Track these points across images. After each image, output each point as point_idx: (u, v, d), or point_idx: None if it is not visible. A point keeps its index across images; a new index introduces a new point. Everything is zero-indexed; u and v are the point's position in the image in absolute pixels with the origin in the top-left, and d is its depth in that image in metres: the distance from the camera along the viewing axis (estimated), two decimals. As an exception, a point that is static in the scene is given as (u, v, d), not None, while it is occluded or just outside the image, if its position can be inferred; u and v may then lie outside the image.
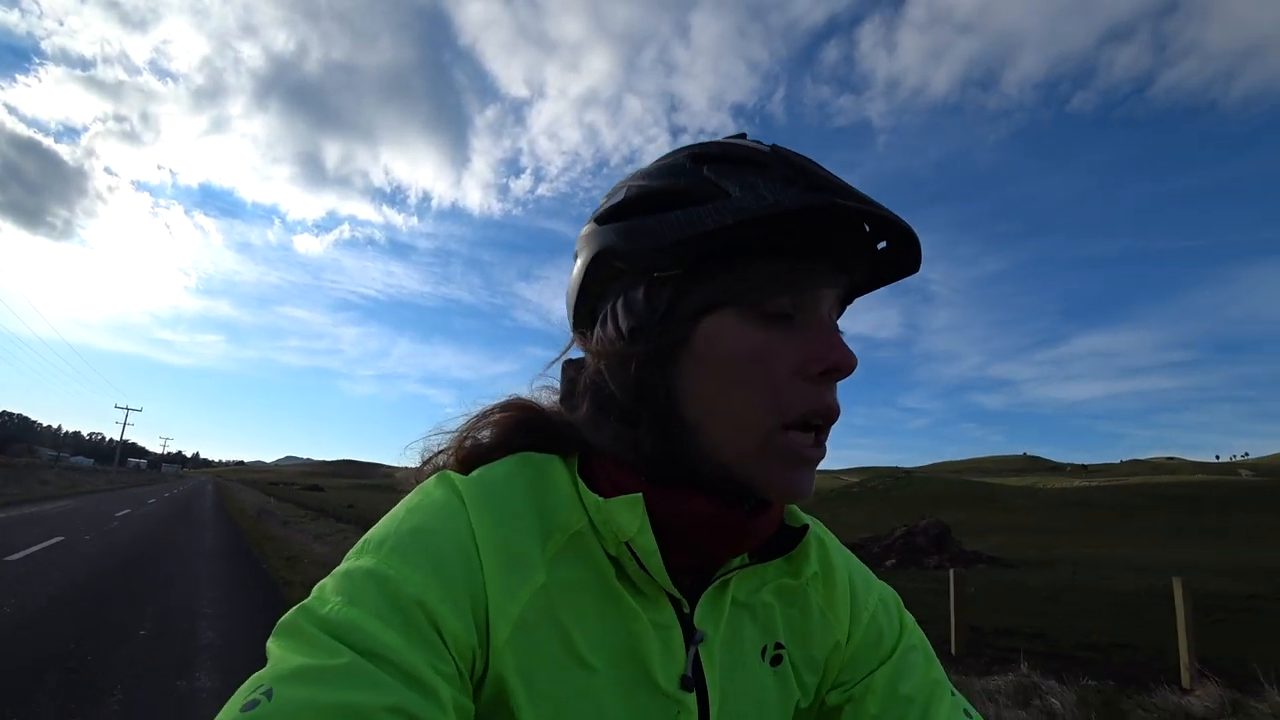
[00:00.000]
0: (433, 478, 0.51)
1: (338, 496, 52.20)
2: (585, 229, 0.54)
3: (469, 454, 0.55)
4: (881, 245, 0.51)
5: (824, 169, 0.48)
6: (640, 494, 0.47)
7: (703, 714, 0.49)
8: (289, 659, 0.38)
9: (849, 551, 0.65)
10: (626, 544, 0.48)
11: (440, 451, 0.57)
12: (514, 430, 0.55)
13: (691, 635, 0.50)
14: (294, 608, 0.42)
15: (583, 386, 0.53)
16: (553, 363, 0.59)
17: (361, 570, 0.43)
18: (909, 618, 0.63)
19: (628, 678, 0.47)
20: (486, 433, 0.56)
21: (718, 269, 0.48)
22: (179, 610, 6.34)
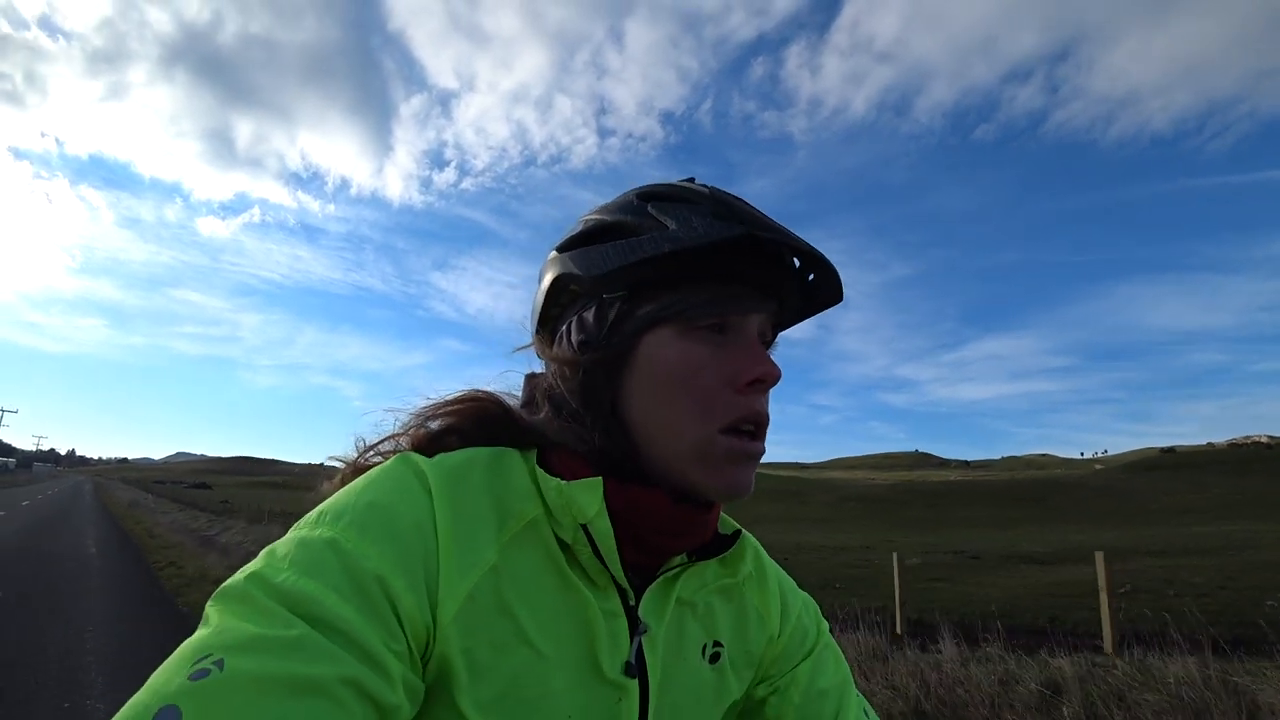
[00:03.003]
0: (394, 458, 0.53)
1: (222, 494, 53.62)
2: (549, 256, 0.61)
3: (425, 439, 0.57)
4: (811, 277, 0.59)
5: (754, 208, 0.56)
6: (600, 478, 0.51)
7: (643, 702, 0.53)
8: (240, 627, 0.38)
9: (774, 561, 0.71)
10: (584, 528, 0.50)
11: (395, 435, 0.58)
12: (474, 420, 0.58)
13: (636, 626, 0.53)
14: (243, 573, 0.42)
15: (542, 393, 0.59)
16: (515, 350, 0.65)
17: (319, 541, 0.43)
18: (825, 622, 0.71)
19: (575, 662, 0.50)
20: (443, 420, 0.58)
21: (657, 292, 0.54)
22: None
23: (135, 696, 0.35)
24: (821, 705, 0.62)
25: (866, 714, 0.65)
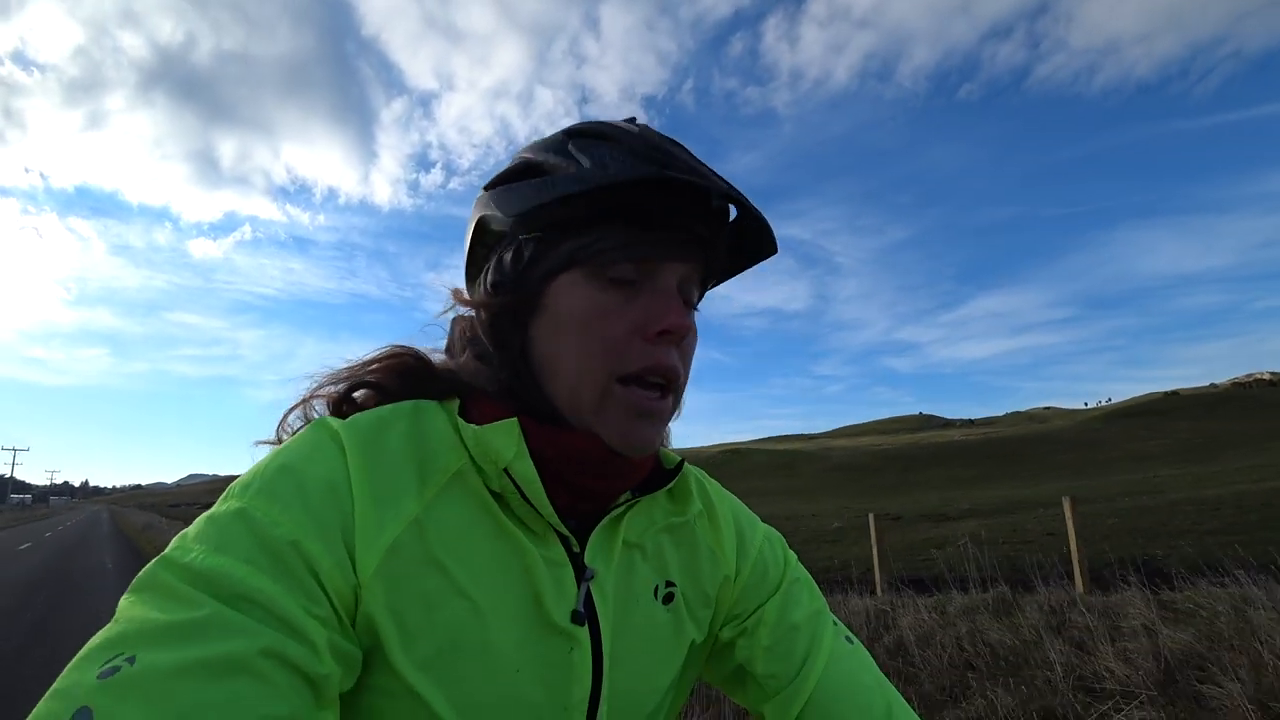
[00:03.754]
0: (309, 424, 0.51)
1: None
2: (476, 199, 0.59)
3: (341, 400, 0.55)
4: (734, 218, 0.55)
5: (680, 149, 0.52)
6: (515, 419, 0.50)
7: (595, 649, 0.50)
8: (148, 616, 0.36)
9: (732, 495, 0.69)
10: (508, 474, 0.48)
11: (313, 397, 0.56)
12: (394, 375, 0.56)
13: (582, 572, 0.52)
14: (153, 561, 0.40)
15: (464, 337, 0.57)
16: (440, 315, 0.62)
17: (227, 514, 0.42)
18: (792, 555, 0.67)
19: (518, 613, 0.48)
20: (361, 380, 0.56)
21: (571, 234, 0.51)
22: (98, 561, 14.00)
23: (42, 703, 0.33)
24: (793, 640, 0.59)
25: (850, 641, 0.62)
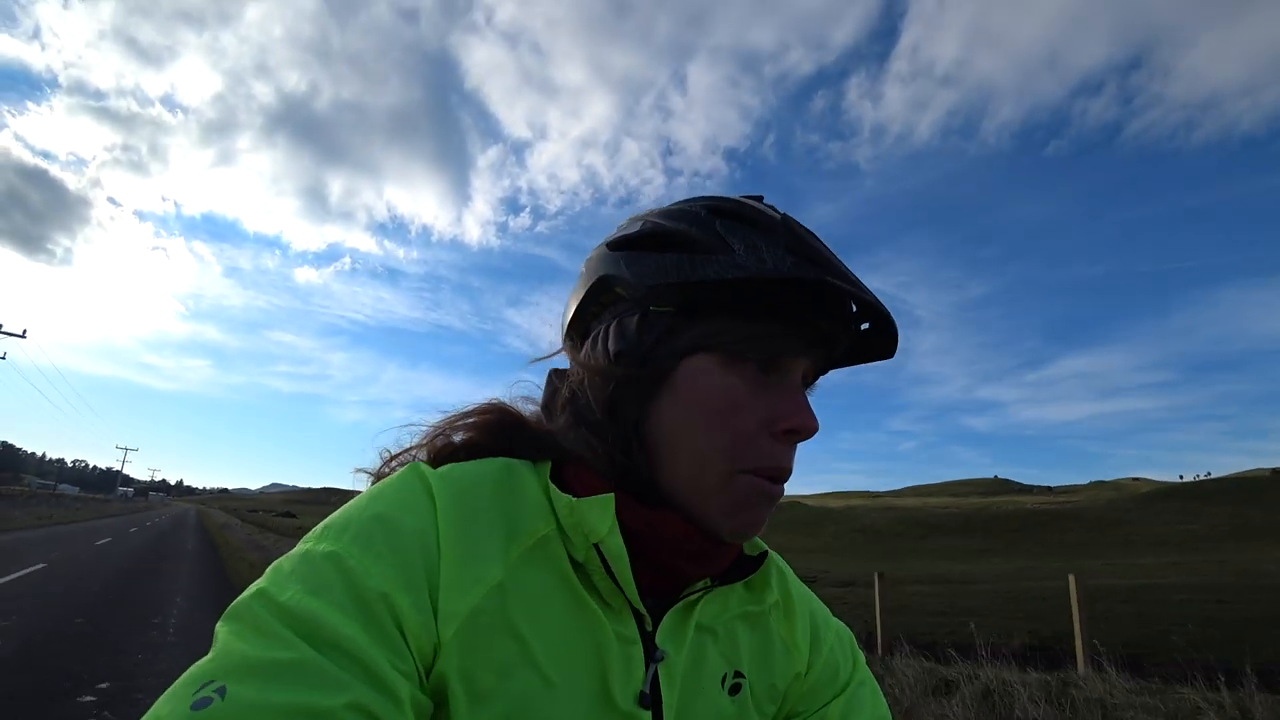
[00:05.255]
0: (403, 468, 0.51)
1: (300, 522, 62.13)
2: (595, 251, 0.58)
3: (440, 452, 0.55)
4: (865, 326, 0.55)
5: (826, 247, 0.52)
6: (612, 495, 0.48)
7: None
8: (243, 650, 0.37)
9: (809, 589, 0.67)
10: (596, 547, 0.47)
11: (411, 448, 0.57)
12: (489, 432, 0.55)
13: (653, 653, 0.50)
14: (249, 590, 0.41)
15: (564, 397, 0.55)
16: (535, 360, 0.62)
17: (321, 555, 0.42)
18: (861, 655, 0.66)
19: (583, 690, 0.46)
20: (461, 434, 0.56)
21: (709, 316, 0.51)
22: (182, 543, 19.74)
23: None
24: None
25: None
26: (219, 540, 23.28)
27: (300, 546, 0.44)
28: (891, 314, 0.53)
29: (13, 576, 10.35)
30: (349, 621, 0.39)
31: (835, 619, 0.68)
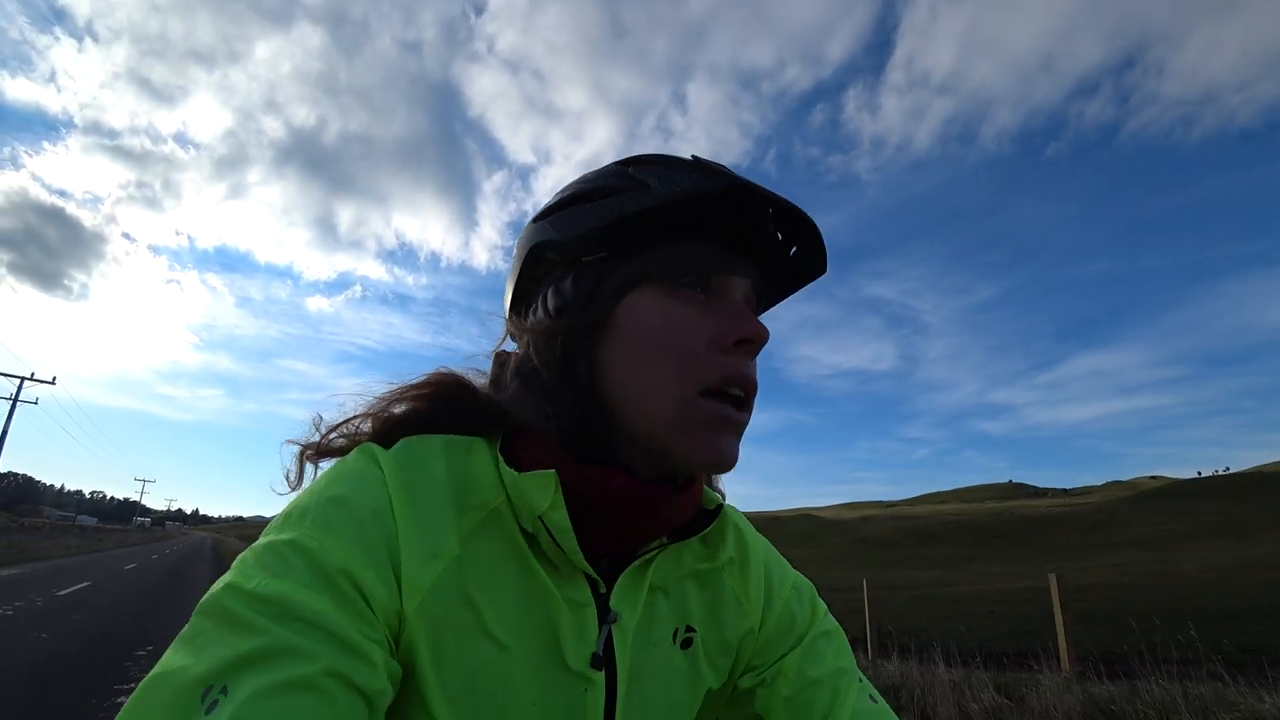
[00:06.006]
0: (354, 450, 0.51)
1: None
2: (524, 230, 0.59)
3: (385, 423, 0.54)
4: (794, 250, 0.56)
5: (733, 171, 0.54)
6: (554, 470, 0.48)
7: (610, 692, 0.51)
8: (226, 644, 0.37)
9: (765, 540, 0.67)
10: (541, 520, 0.48)
11: (355, 417, 0.55)
12: (438, 404, 0.55)
13: (605, 615, 0.51)
14: (218, 584, 0.42)
15: (512, 369, 0.56)
16: (498, 348, 0.61)
17: (284, 542, 0.43)
18: (822, 606, 0.66)
19: (538, 654, 0.48)
20: (405, 404, 0.55)
21: (639, 252, 0.52)
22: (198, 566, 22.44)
23: None
24: (814, 695, 0.57)
25: (874, 700, 0.59)
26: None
27: (263, 538, 0.45)
28: (811, 218, 0.53)
29: (73, 589, 13.26)
30: (316, 597, 0.40)
31: (794, 571, 0.68)
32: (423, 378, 0.57)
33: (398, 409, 0.55)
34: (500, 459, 0.51)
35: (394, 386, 0.56)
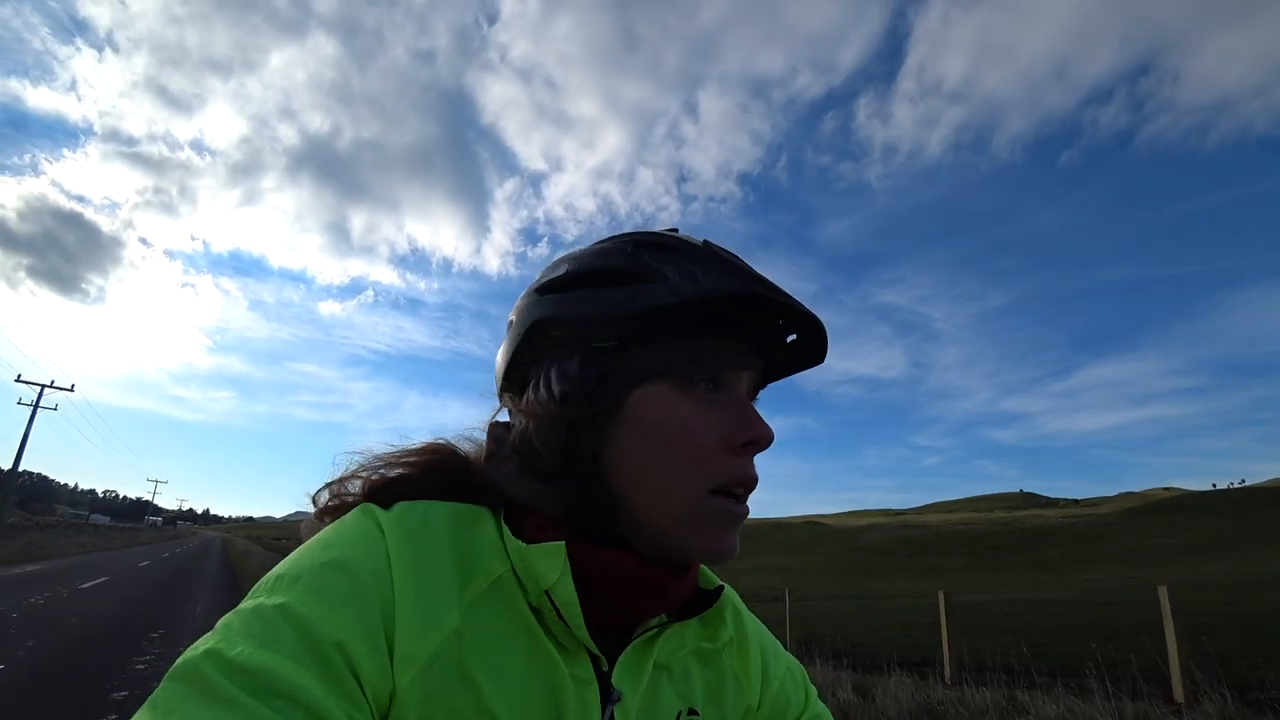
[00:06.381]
0: (353, 510, 0.49)
1: None
2: (522, 299, 0.57)
3: (374, 486, 0.53)
4: (791, 338, 0.57)
5: (746, 263, 0.54)
6: (562, 542, 0.48)
7: None
8: (197, 717, 0.34)
9: (758, 620, 0.68)
10: (547, 594, 0.47)
11: (345, 478, 0.55)
12: (432, 474, 0.54)
13: (609, 693, 0.50)
14: (197, 648, 0.38)
15: (510, 447, 0.54)
16: (489, 421, 0.60)
17: (273, 608, 0.40)
18: (813, 689, 0.67)
19: None
20: (398, 470, 0.54)
21: (650, 345, 0.51)
22: (206, 564, 23.99)
23: None
24: None
25: None
26: (238, 567, 27.55)
27: (249, 601, 0.42)
28: (819, 318, 0.54)
29: (93, 583, 14.77)
30: (302, 672, 0.37)
31: (787, 653, 0.69)
32: (418, 445, 0.57)
33: (391, 473, 0.54)
34: (505, 529, 0.50)
35: (388, 450, 0.56)
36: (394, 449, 0.56)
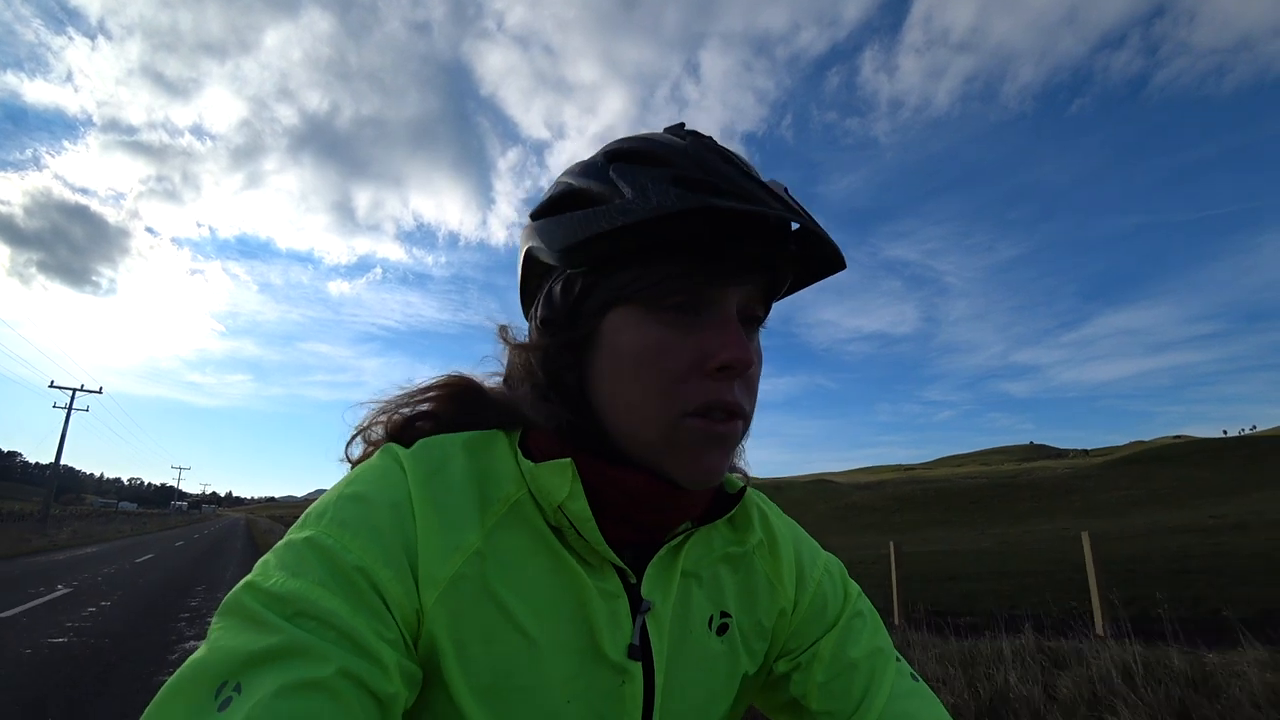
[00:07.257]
0: (377, 451, 0.52)
1: None
2: (525, 226, 0.56)
3: (396, 426, 0.55)
4: (793, 247, 0.52)
5: (731, 164, 0.49)
6: (569, 459, 0.49)
7: (648, 683, 0.50)
8: (242, 642, 0.38)
9: (794, 522, 0.67)
10: (562, 510, 0.48)
11: (373, 424, 0.57)
12: (451, 405, 0.56)
13: (639, 605, 0.51)
14: (239, 584, 0.42)
15: (523, 367, 0.56)
16: (512, 346, 0.60)
17: (302, 541, 0.44)
18: (854, 586, 0.65)
19: (572, 647, 0.48)
20: (424, 406, 0.56)
21: (622, 266, 0.49)
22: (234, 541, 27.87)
23: None
24: (851, 678, 0.57)
25: (914, 679, 0.59)
26: (260, 542, 31.52)
27: (283, 539, 0.45)
28: (815, 221, 0.49)
29: (145, 558, 18.80)
30: (330, 596, 0.40)
31: (825, 552, 0.67)
32: (435, 380, 0.58)
33: (410, 411, 0.56)
34: (519, 451, 0.52)
35: (405, 390, 0.58)
36: (410, 388, 0.58)
